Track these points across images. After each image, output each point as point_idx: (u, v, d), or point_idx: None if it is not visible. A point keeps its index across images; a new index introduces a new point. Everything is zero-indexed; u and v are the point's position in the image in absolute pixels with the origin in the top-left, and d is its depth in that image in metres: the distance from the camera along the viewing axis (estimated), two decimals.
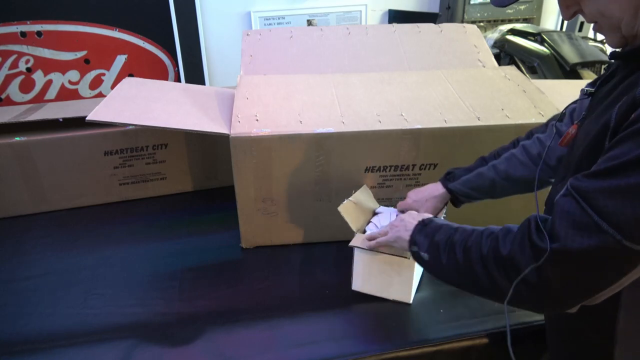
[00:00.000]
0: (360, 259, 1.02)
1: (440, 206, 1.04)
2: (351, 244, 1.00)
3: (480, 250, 0.68)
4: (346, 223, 1.01)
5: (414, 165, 1.17)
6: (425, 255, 0.78)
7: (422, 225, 0.82)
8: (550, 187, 0.82)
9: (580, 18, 3.05)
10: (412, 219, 0.86)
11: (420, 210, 1.02)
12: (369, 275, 1.03)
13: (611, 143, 0.58)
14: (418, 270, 1.02)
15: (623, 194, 0.54)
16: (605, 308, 0.64)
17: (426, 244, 0.78)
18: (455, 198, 1.02)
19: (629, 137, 0.55)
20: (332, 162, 1.14)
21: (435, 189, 1.03)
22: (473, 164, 1.02)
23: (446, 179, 1.03)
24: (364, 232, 1.04)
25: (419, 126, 1.12)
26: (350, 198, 1.05)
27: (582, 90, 0.76)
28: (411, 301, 1.01)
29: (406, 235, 0.84)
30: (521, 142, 0.97)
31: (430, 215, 0.87)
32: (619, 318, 0.67)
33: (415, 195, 1.05)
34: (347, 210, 1.03)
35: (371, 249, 0.97)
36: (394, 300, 1.02)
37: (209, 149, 1.48)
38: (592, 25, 0.67)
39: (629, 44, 0.64)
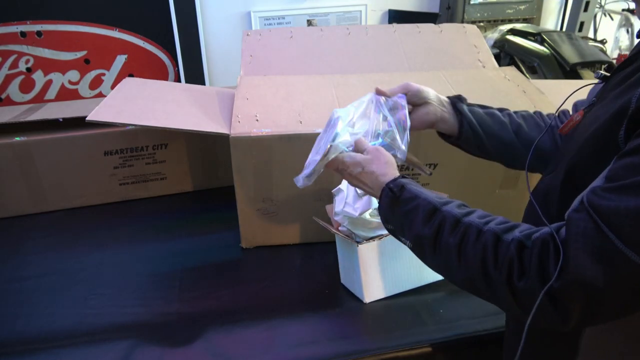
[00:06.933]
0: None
1: (431, 123, 0.86)
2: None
3: (484, 262, 0.56)
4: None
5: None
6: (407, 243, 0.67)
7: (393, 197, 0.68)
8: None
9: (580, 18, 3.06)
10: (378, 176, 0.72)
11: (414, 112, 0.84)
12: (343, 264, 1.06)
13: (634, 141, 0.49)
14: (375, 265, 1.01)
15: None
16: None
17: (406, 232, 0.66)
18: (460, 125, 0.84)
19: None
20: None
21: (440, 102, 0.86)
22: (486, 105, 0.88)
23: (457, 98, 0.86)
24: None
25: None
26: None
27: (597, 73, 0.68)
28: (365, 300, 1.01)
29: (375, 194, 0.72)
30: (537, 111, 0.89)
31: (397, 174, 0.73)
32: (585, 330, 0.62)
33: (413, 94, 0.86)
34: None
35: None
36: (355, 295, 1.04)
37: (209, 149, 1.48)
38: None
39: None
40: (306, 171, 0.81)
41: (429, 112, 0.85)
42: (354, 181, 0.77)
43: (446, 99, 0.87)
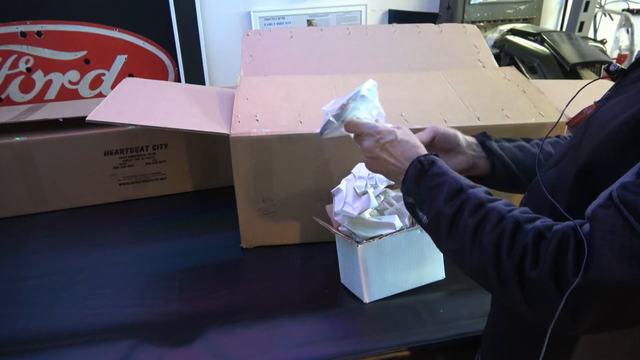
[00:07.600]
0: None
1: (462, 171, 0.82)
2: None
3: (498, 248, 0.53)
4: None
5: None
6: (424, 218, 0.65)
7: (421, 170, 0.66)
8: None
9: (580, 18, 3.05)
10: (412, 146, 0.70)
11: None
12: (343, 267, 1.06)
13: None
14: (378, 264, 1.01)
15: None
16: None
17: (425, 207, 0.64)
18: (492, 165, 0.80)
19: None
20: (332, 162, 1.14)
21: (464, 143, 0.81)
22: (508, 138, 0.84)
23: (484, 136, 0.82)
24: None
25: (419, 126, 1.12)
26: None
27: (613, 66, 0.64)
28: (366, 300, 1.01)
29: (398, 170, 0.70)
30: (562, 135, 0.85)
31: (425, 152, 0.71)
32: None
33: (442, 139, 0.82)
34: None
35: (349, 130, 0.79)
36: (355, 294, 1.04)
37: (209, 149, 1.48)
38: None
39: None
40: (332, 110, 0.78)
41: (461, 161, 0.83)
42: (381, 152, 0.74)
43: (474, 140, 0.83)
